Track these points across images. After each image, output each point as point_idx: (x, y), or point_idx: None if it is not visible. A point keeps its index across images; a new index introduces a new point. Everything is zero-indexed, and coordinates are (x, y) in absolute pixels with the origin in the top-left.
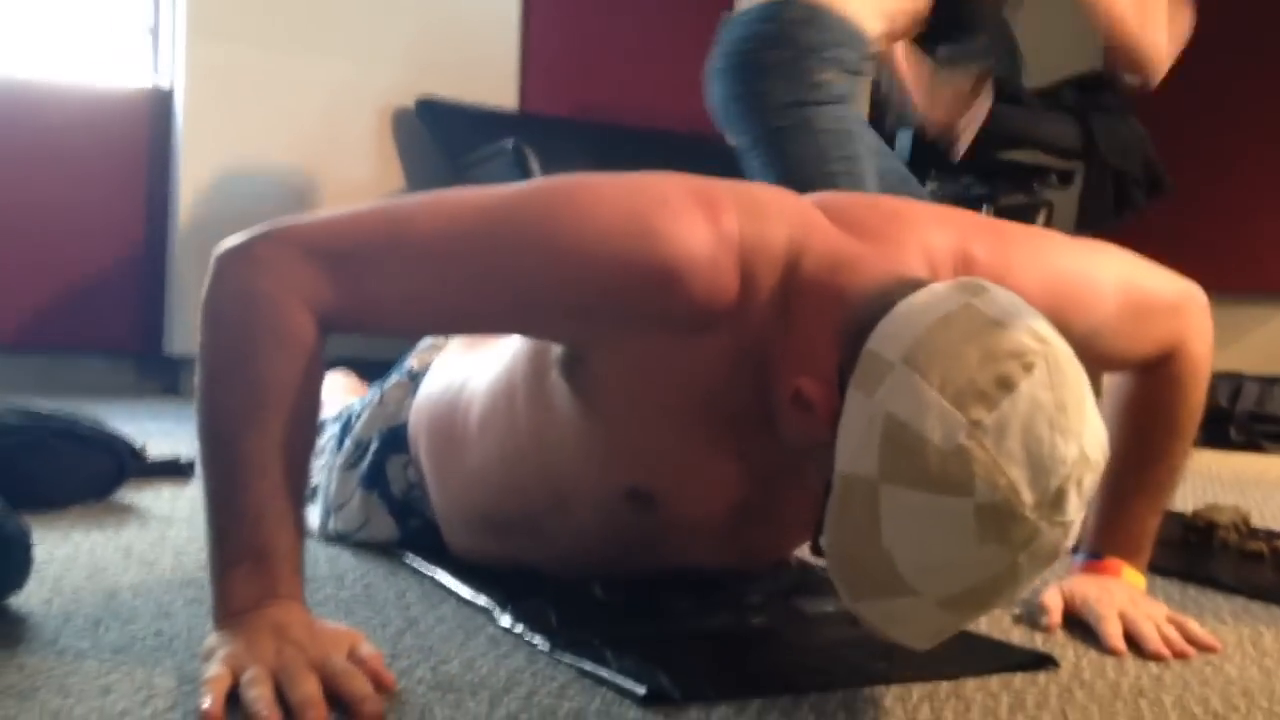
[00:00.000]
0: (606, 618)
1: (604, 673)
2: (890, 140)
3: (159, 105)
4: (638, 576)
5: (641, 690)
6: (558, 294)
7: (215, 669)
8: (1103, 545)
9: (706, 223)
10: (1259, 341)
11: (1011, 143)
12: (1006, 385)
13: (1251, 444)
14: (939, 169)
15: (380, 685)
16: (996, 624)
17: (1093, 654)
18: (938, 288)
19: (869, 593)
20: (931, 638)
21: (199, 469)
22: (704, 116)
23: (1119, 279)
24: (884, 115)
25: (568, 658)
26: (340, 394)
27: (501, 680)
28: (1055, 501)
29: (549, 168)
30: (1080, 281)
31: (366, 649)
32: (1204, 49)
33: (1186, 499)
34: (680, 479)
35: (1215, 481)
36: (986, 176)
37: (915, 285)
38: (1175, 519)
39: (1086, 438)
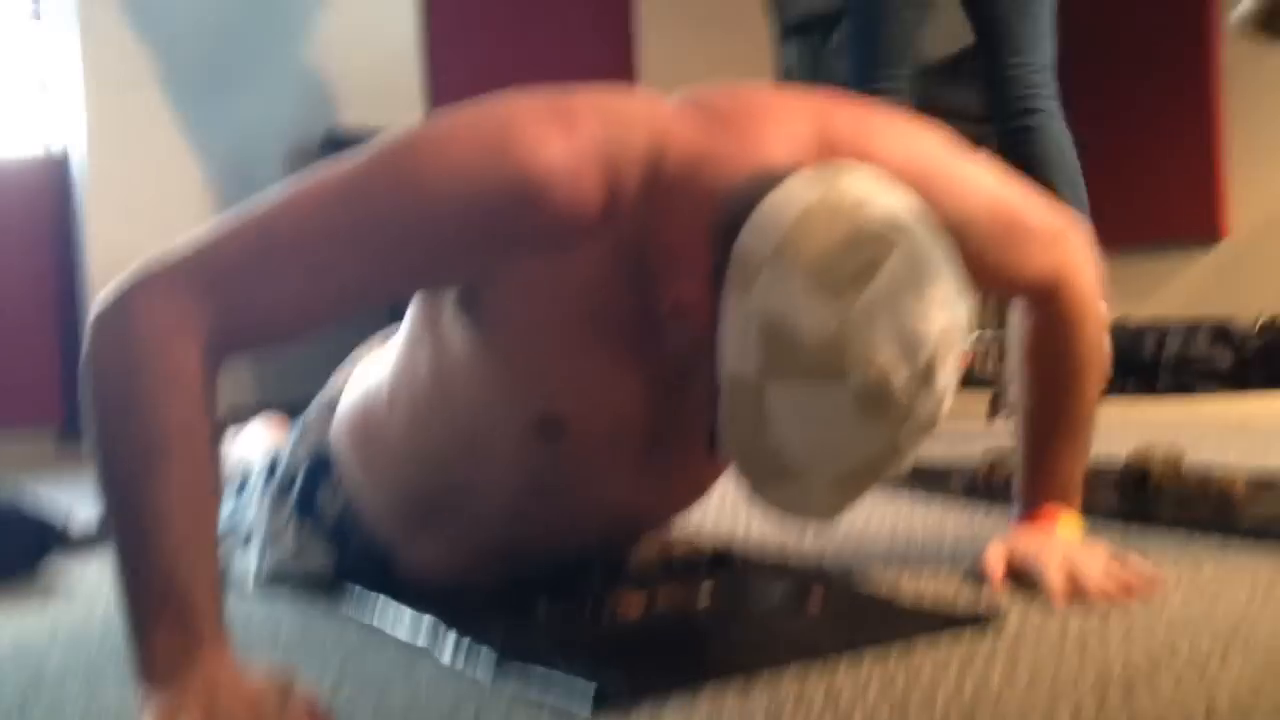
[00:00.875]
0: (550, 637)
1: (551, 683)
2: None
3: (55, 170)
4: (561, 548)
5: (589, 699)
6: (432, 241)
7: None
8: (1034, 495)
9: (560, 135)
10: (1179, 287)
11: (916, 113)
12: (870, 268)
13: (1181, 387)
14: None
15: None
16: (940, 589)
17: (1035, 608)
18: (799, 178)
19: (766, 481)
20: (832, 512)
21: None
22: None
23: (993, 188)
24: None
25: (512, 675)
26: (269, 439)
27: (449, 698)
28: (925, 375)
29: None
30: (949, 171)
31: (300, 690)
32: (1103, 5)
33: (1123, 448)
34: (587, 399)
35: (1149, 428)
36: None
37: (778, 177)
38: (1110, 464)
39: (951, 309)
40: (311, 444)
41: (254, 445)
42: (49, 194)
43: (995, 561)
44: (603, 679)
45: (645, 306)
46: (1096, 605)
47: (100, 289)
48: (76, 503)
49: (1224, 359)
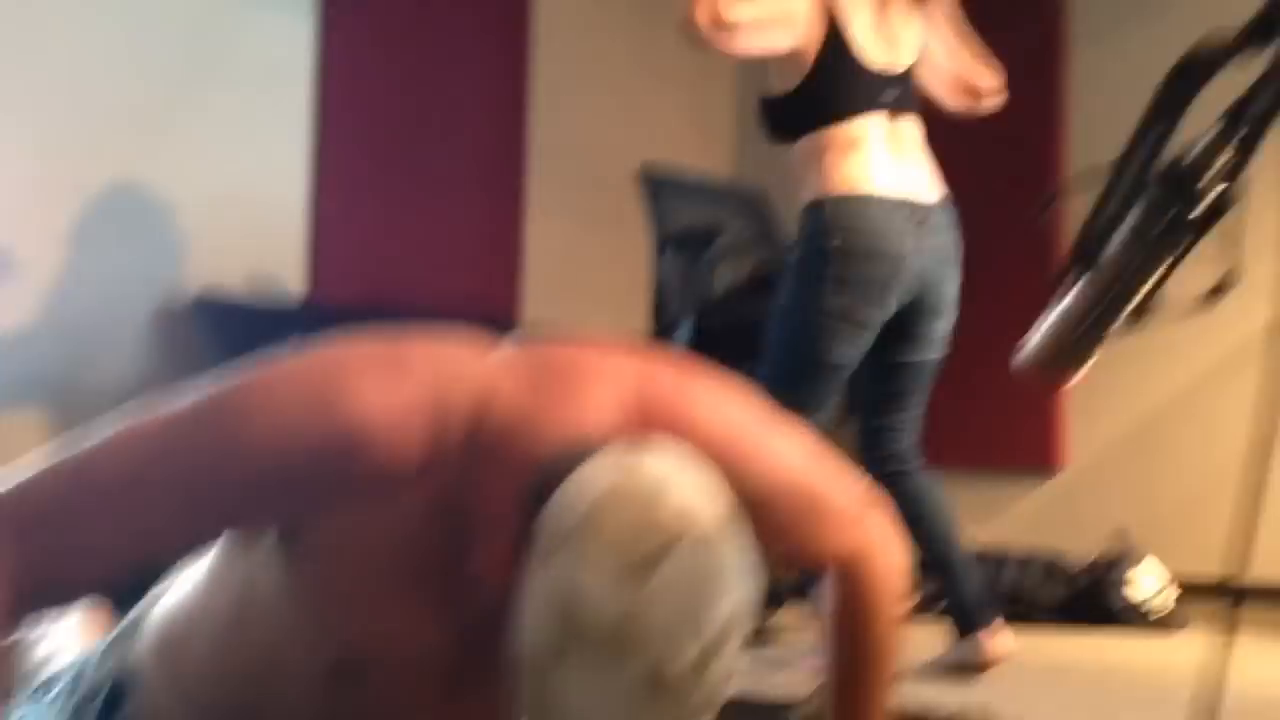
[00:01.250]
0: None
1: None
2: (672, 329)
3: None
4: None
5: None
6: (250, 489)
7: None
8: None
9: (387, 385)
10: (1018, 515)
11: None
12: (660, 555)
13: (1016, 616)
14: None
15: None
16: None
17: None
18: (606, 456)
19: None
20: None
21: None
22: (496, 298)
23: (799, 464)
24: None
25: None
26: (83, 637)
27: None
28: (707, 659)
29: None
30: (758, 443)
31: None
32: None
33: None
34: (390, 645)
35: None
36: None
37: (588, 451)
38: None
39: (736, 596)
40: (118, 659)
41: (67, 643)
42: None
43: None
44: None
45: (458, 560)
46: None
47: None
48: None
49: (1055, 593)
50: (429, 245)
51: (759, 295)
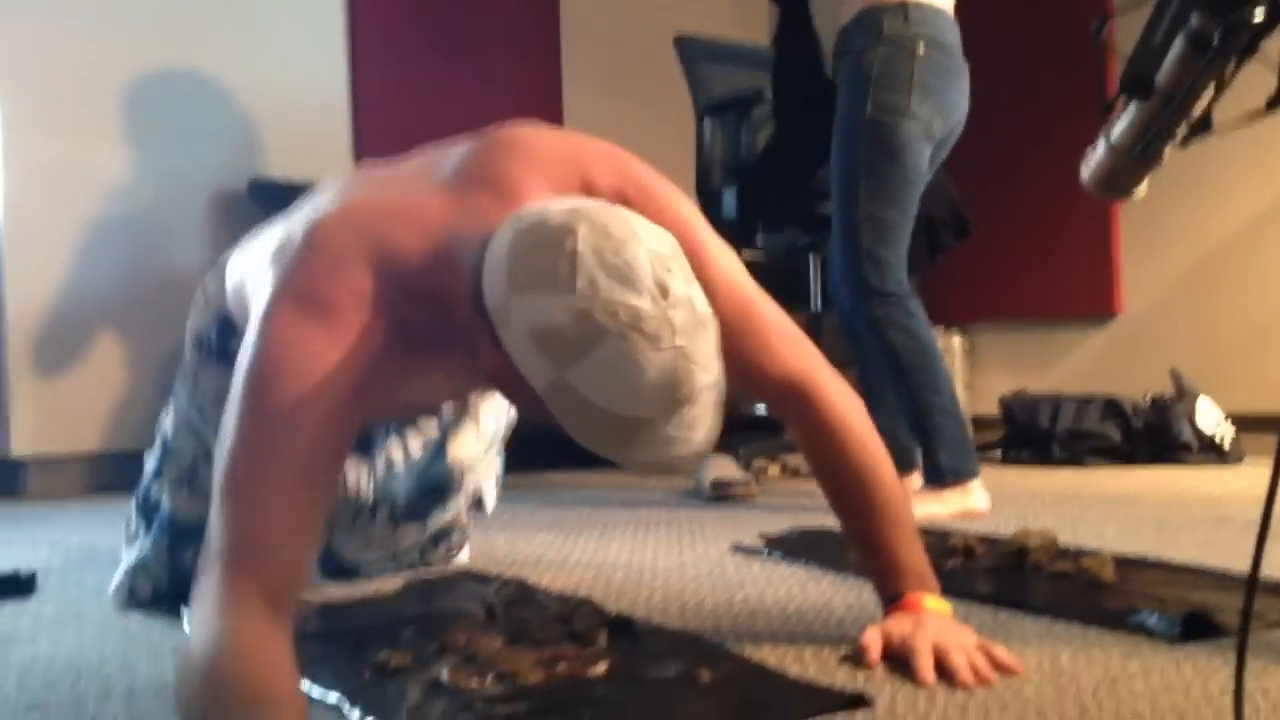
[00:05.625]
0: (454, 703)
1: None
2: (717, 196)
3: None
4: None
5: None
6: (332, 422)
7: None
8: (890, 586)
9: (326, 324)
10: (1074, 362)
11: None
12: (571, 253)
13: (1073, 460)
14: (765, 223)
15: None
16: (824, 667)
17: (907, 688)
18: (502, 228)
19: (630, 444)
20: (699, 440)
21: None
22: None
23: (738, 275)
24: (709, 172)
25: None
26: None
27: None
28: (661, 291)
29: None
30: (710, 245)
31: None
32: (994, 93)
33: (1009, 519)
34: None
35: (1037, 499)
36: (811, 228)
37: (491, 233)
38: (992, 544)
39: (645, 241)
40: (213, 311)
41: None
42: None
43: (872, 643)
44: None
45: (474, 368)
46: (960, 688)
47: (18, 337)
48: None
49: (1114, 432)
50: (467, 119)
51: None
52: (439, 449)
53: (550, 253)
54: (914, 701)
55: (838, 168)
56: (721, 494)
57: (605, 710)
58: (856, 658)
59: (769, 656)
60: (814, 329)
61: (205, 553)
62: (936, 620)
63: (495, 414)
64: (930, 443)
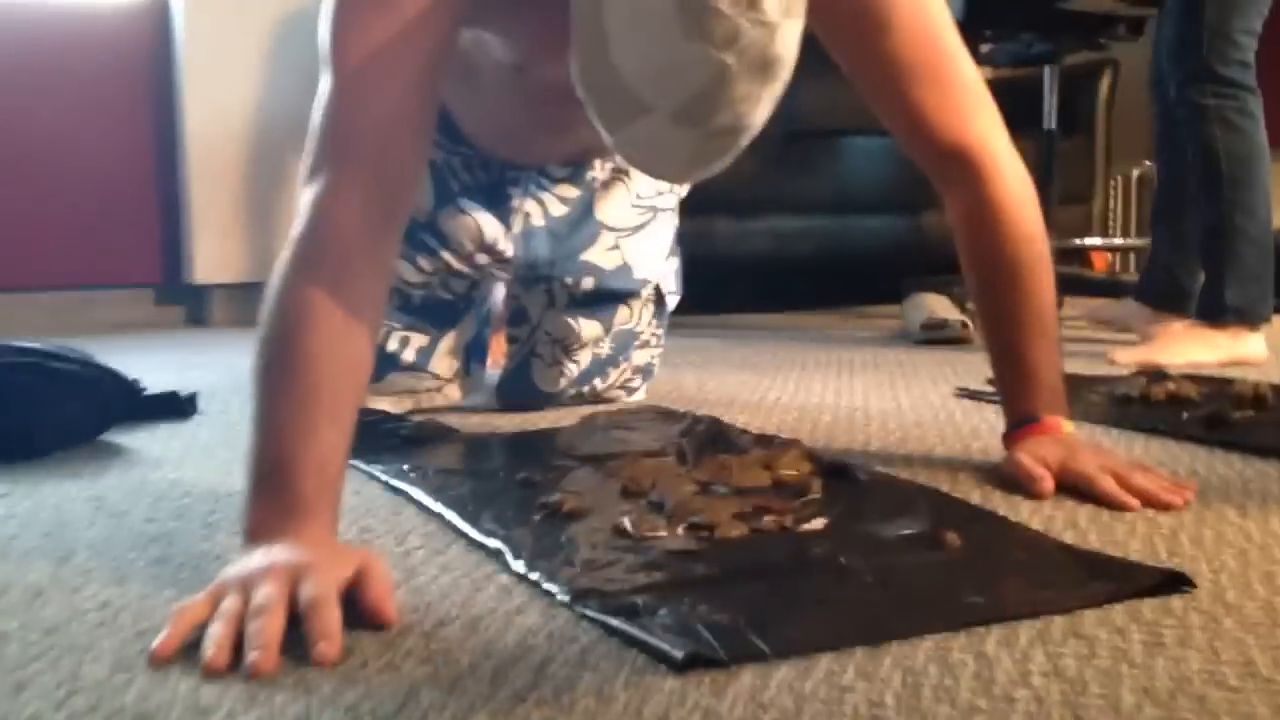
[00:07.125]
0: (638, 558)
1: (634, 631)
2: None
3: (157, 18)
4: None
5: (679, 654)
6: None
7: (196, 598)
8: (1025, 406)
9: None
10: None
11: None
12: None
13: None
14: (996, 26)
15: (378, 620)
16: (1104, 531)
17: (1231, 566)
18: None
19: (618, 120)
20: (689, 166)
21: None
22: None
23: (933, 18)
24: None
25: (592, 609)
26: None
27: (509, 647)
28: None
29: None
30: None
31: (375, 576)
32: None
33: None
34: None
35: None
36: (1048, 31)
37: None
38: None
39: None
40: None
41: None
42: (148, 43)
43: (1040, 474)
44: (691, 643)
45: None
46: (1157, 509)
47: (198, 143)
48: (172, 364)
49: None
50: None
51: None
52: (586, 208)
53: None
54: (1246, 583)
55: None
56: (933, 335)
57: (827, 575)
58: (1020, 486)
59: (1029, 519)
60: (1046, 155)
61: (305, 159)
62: (1084, 444)
63: (655, 186)
64: (1220, 270)
